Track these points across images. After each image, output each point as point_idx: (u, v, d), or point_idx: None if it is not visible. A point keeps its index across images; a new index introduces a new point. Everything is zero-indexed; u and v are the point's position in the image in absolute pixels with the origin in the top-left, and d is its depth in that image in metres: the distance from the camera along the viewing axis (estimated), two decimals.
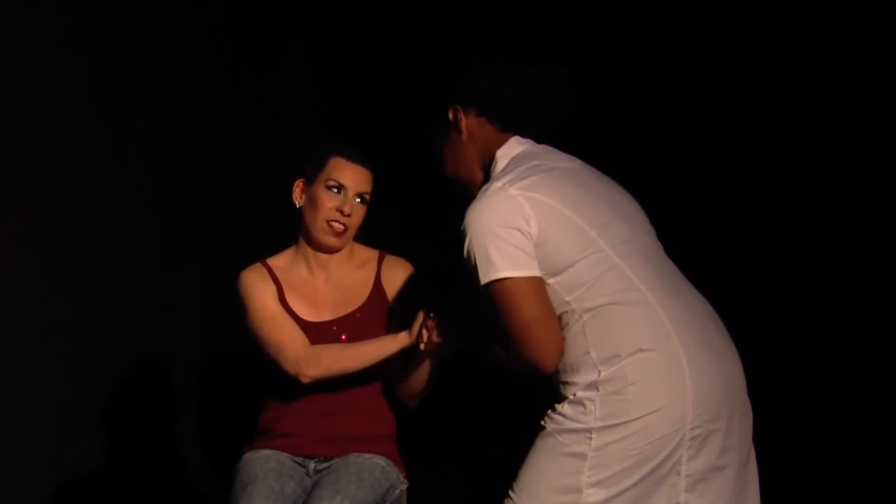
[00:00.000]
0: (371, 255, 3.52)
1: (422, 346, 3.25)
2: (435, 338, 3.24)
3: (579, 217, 2.91)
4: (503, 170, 2.98)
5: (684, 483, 2.87)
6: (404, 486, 3.48)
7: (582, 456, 2.86)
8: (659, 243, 3.05)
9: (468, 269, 2.89)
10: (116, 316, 4.40)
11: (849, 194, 4.05)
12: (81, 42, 4.36)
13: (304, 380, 3.33)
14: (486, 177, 3.03)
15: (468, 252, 2.88)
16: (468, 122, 3.05)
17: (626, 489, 2.84)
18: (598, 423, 2.84)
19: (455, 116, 3.06)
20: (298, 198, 3.43)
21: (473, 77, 3.04)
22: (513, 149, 3.03)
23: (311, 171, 3.41)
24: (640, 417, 2.82)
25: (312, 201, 3.39)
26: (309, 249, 3.45)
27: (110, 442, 4.45)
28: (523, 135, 3.06)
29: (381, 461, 3.41)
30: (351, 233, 3.44)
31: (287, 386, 3.41)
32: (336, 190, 3.38)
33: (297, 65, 5.08)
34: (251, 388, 3.66)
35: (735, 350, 3.01)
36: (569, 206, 2.91)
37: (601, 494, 2.84)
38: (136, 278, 4.50)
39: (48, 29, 4.26)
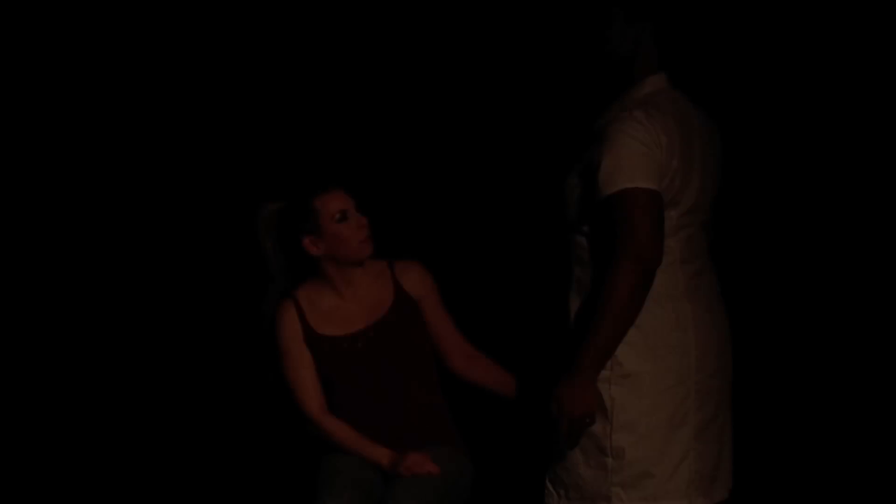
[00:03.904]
0: (381, 265, 3.64)
1: (404, 472, 3.45)
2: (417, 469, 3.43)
3: (680, 173, 3.07)
4: (645, 96, 3.10)
5: (693, 431, 3.15)
6: (470, 472, 3.61)
7: (602, 404, 3.11)
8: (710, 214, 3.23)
9: (603, 172, 2.99)
10: (118, 316, 4.49)
11: (848, 179, 4.11)
12: (111, 46, 4.44)
13: (310, 428, 3.60)
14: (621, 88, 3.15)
15: (617, 156, 2.99)
16: (646, 40, 3.13)
17: (649, 434, 3.09)
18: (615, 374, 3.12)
19: (642, 31, 3.13)
20: (317, 249, 3.56)
21: (674, 17, 3.13)
22: (660, 82, 3.15)
23: (308, 224, 3.54)
24: (649, 371, 3.09)
25: (334, 240, 3.53)
26: (336, 274, 3.58)
27: (111, 444, 4.56)
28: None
29: (449, 451, 3.56)
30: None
31: (337, 402, 3.60)
32: (344, 217, 3.54)
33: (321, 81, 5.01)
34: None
35: (727, 317, 3.25)
36: (678, 158, 3.07)
37: (627, 438, 3.10)
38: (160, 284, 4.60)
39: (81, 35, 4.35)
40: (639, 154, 3.01)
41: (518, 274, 4.69)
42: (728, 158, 3.32)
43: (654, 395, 3.11)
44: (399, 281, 3.63)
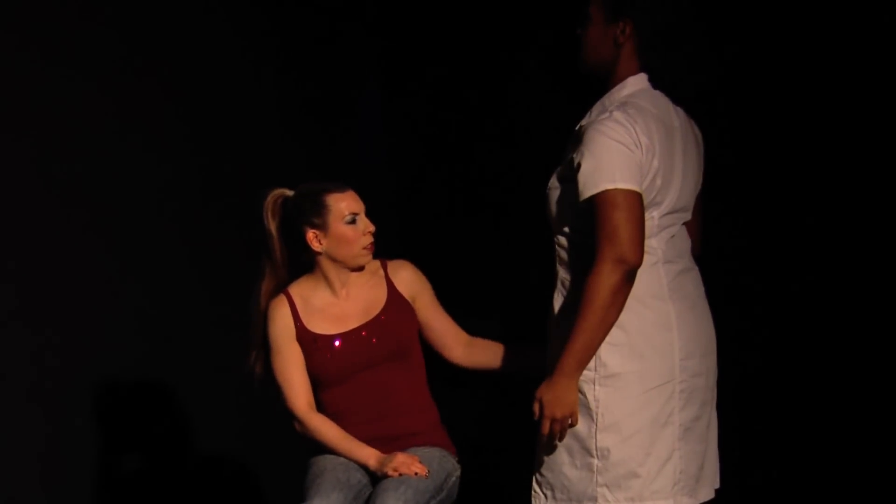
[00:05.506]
0: (374, 264, 3.66)
1: (392, 473, 3.42)
2: (406, 471, 3.39)
3: (661, 173, 3.10)
4: (626, 96, 3.13)
5: (678, 431, 3.19)
6: (458, 472, 3.60)
7: (587, 405, 3.14)
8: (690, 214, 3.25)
9: (583, 174, 3.00)
10: (125, 320, 4.48)
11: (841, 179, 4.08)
12: (172, 78, 4.59)
13: (297, 426, 3.59)
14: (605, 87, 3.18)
15: (597, 157, 3.01)
16: (626, 39, 3.15)
17: (634, 434, 3.12)
18: (601, 375, 3.14)
19: (622, 31, 3.14)
20: (319, 245, 3.56)
21: (654, 13, 3.11)
22: (641, 83, 3.17)
23: (317, 218, 3.53)
24: (634, 371, 3.11)
25: (338, 240, 3.53)
26: (332, 273, 3.58)
27: (118, 447, 4.53)
28: (650, 76, 3.19)
29: (437, 452, 3.56)
30: None
31: (326, 401, 3.60)
32: (353, 220, 3.55)
33: (369, 108, 5.25)
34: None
35: (711, 316, 3.29)
36: (658, 158, 3.09)
37: (613, 438, 3.13)
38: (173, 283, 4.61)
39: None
40: (619, 155, 3.03)
41: (509, 274, 4.71)
42: (709, 158, 3.34)
43: (638, 396, 3.13)
44: (392, 280, 3.65)
